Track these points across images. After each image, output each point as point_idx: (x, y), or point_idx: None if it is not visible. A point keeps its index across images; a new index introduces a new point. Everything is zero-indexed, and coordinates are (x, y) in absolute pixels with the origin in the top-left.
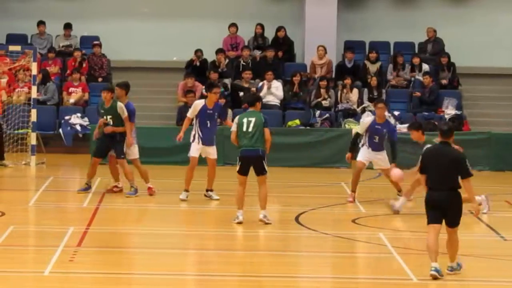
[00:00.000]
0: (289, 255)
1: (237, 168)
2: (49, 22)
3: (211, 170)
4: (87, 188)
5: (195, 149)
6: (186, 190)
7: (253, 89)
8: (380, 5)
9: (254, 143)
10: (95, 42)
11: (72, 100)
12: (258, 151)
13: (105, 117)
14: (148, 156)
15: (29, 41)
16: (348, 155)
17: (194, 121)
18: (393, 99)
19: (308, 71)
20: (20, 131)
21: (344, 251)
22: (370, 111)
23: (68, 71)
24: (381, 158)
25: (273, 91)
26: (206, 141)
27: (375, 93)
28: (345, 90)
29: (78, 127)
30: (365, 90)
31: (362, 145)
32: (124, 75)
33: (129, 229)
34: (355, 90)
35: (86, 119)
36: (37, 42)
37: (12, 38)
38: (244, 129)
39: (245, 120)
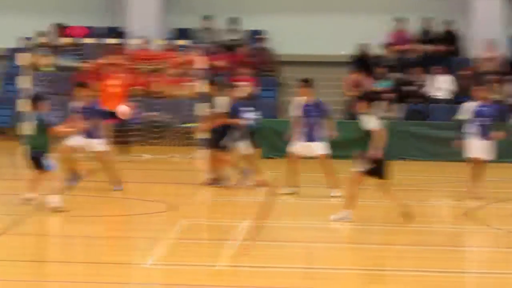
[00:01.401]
0: (461, 250)
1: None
2: (216, 17)
3: (323, 167)
4: (216, 182)
5: (296, 145)
6: (291, 186)
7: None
8: None
9: None
10: (262, 36)
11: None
12: None
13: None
14: None
15: (196, 35)
16: (456, 141)
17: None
18: None
19: (476, 65)
20: (188, 125)
21: None
22: None
23: (235, 65)
24: (488, 147)
25: (441, 86)
26: (307, 138)
27: None
28: None
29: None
30: None
31: (470, 136)
32: (291, 69)
33: (302, 223)
34: None
35: (253, 113)
36: (204, 37)
37: (180, 33)
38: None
39: None
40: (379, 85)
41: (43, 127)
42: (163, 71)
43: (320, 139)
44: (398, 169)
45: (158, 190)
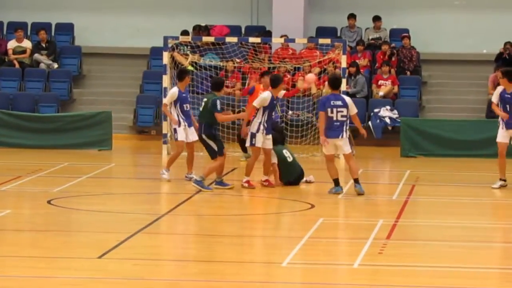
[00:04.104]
0: None
1: None
2: (359, 15)
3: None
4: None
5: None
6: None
7: None
8: None
9: None
10: (404, 35)
11: (381, 93)
12: None
13: None
14: (457, 148)
15: (338, 34)
16: None
17: None
18: None
19: None
20: None
21: None
22: None
23: (378, 64)
24: None
25: None
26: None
27: None
28: None
29: (388, 120)
30: None
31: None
32: (433, 67)
33: (438, 222)
34: None
35: (395, 111)
36: (346, 35)
37: (322, 31)
38: None
39: None
40: None
41: None
42: (306, 69)
43: None
44: None
45: (299, 189)
